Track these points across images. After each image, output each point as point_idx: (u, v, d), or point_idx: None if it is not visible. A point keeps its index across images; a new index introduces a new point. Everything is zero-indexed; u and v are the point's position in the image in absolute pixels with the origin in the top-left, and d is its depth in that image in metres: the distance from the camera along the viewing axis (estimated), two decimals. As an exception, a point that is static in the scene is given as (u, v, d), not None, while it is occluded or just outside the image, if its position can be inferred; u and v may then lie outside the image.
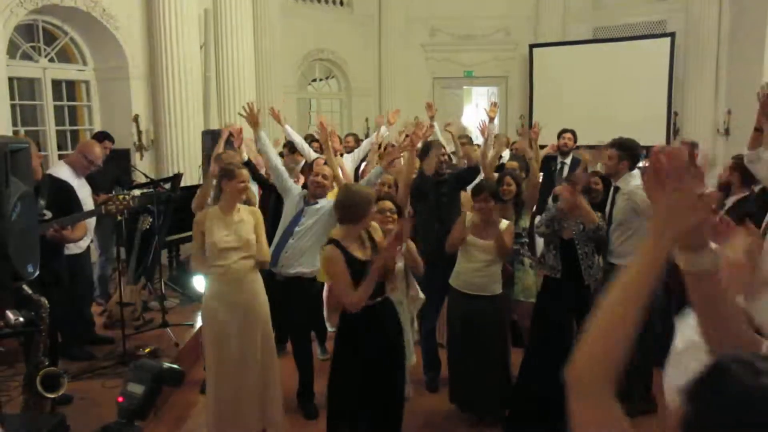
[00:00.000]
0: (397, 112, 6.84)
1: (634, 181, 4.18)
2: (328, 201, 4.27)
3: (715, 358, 1.00)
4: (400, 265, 3.81)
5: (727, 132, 10.40)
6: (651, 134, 10.19)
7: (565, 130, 6.83)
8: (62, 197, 4.20)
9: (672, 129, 10.94)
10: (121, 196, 4.12)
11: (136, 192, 5.31)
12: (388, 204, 3.94)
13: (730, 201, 4.52)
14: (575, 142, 6.85)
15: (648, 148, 6.19)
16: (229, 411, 3.84)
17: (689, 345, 1.35)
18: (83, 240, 4.79)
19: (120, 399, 1.78)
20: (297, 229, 4.24)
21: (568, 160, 6.76)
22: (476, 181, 4.70)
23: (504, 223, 4.23)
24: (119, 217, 4.25)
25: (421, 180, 4.88)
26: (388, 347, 3.44)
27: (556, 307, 4.01)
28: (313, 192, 4.31)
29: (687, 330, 1.38)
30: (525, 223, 4.83)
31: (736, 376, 0.94)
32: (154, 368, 1.84)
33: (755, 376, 0.93)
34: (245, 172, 3.95)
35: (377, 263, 3.23)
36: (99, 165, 5.05)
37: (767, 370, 0.93)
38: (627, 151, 4.26)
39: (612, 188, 4.35)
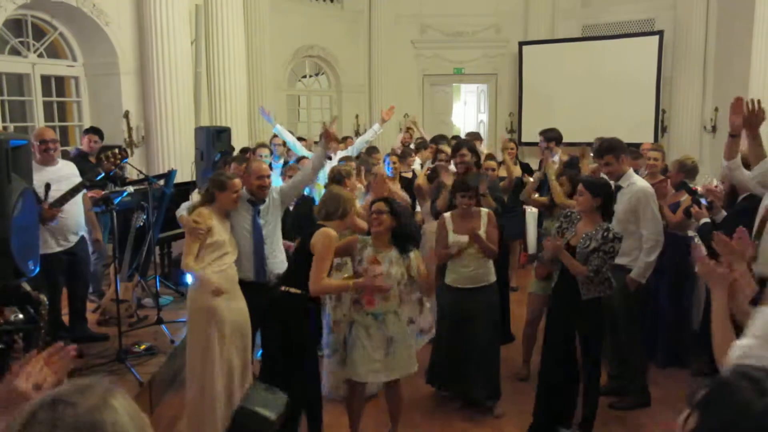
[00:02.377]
0: (392, 109, 6.84)
1: (638, 180, 4.26)
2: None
3: (727, 373, 1.04)
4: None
5: (714, 129, 10.52)
6: (639, 131, 10.33)
7: (541, 132, 6.78)
8: None
9: (660, 126, 11.05)
10: (111, 151, 4.23)
11: (130, 188, 5.30)
12: (381, 205, 3.77)
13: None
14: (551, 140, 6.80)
15: (634, 146, 6.27)
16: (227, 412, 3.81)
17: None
18: (72, 235, 4.76)
19: None
20: (265, 233, 4.19)
21: (556, 158, 6.78)
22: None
23: (484, 212, 4.31)
24: (114, 168, 4.32)
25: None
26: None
27: (553, 324, 4.04)
28: (260, 195, 4.18)
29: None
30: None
31: (743, 393, 0.98)
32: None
33: (760, 394, 0.98)
34: (238, 181, 3.96)
35: (360, 285, 3.46)
36: (56, 140, 4.72)
37: None
38: (619, 149, 4.31)
39: (614, 188, 4.37)
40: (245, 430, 1.67)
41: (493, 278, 4.35)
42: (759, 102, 3.46)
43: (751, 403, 0.97)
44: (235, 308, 3.83)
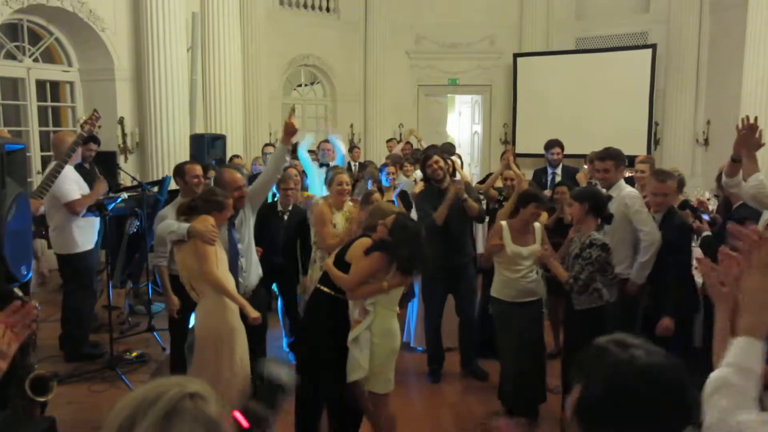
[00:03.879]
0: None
1: (626, 187, 4.31)
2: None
3: (597, 343, 1.28)
4: None
5: (706, 142, 10.60)
6: (632, 144, 10.36)
7: (553, 144, 6.90)
8: None
9: (653, 139, 11.12)
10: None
11: (124, 195, 5.29)
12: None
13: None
14: (563, 150, 6.94)
15: (630, 158, 6.33)
16: None
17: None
18: (83, 242, 4.81)
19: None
20: (241, 248, 4.08)
21: (558, 170, 6.86)
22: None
23: (538, 227, 4.35)
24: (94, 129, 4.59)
25: (430, 190, 5.03)
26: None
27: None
28: (238, 206, 4.03)
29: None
30: None
31: (611, 352, 1.22)
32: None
33: (624, 348, 1.21)
34: (231, 200, 3.83)
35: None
36: (73, 148, 4.76)
37: (634, 344, 1.22)
38: (619, 158, 4.39)
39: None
40: (264, 393, 1.77)
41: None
42: (756, 119, 3.50)
43: (619, 356, 1.19)
44: (240, 322, 3.67)
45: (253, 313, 3.62)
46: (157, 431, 1.06)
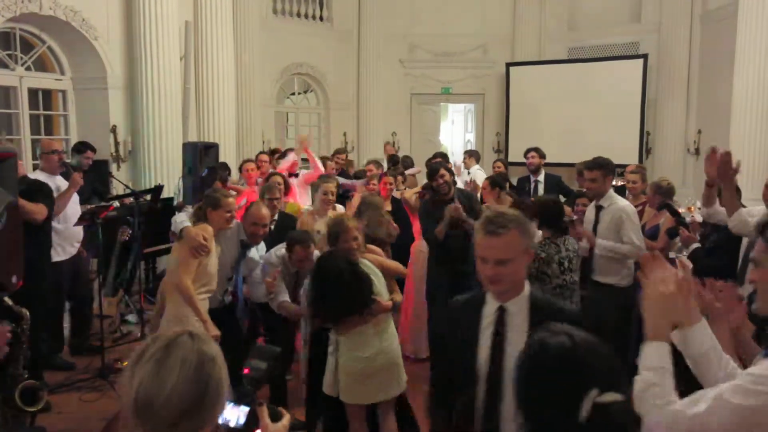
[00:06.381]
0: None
1: (618, 200, 4.32)
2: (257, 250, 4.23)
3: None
4: None
5: (697, 152, 10.65)
6: (623, 153, 10.42)
7: (529, 149, 6.97)
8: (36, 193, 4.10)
9: (644, 148, 11.18)
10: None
11: (116, 203, 5.28)
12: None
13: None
14: (542, 159, 6.96)
15: (621, 167, 6.35)
16: None
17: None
18: (76, 243, 4.78)
19: (246, 370, 1.95)
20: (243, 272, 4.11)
21: (541, 178, 6.88)
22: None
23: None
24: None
25: (434, 204, 5.03)
26: None
27: None
28: (252, 241, 4.02)
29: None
30: None
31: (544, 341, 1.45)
32: (273, 351, 2.07)
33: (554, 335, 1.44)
34: (232, 200, 3.83)
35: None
36: (60, 152, 4.88)
37: (564, 331, 1.44)
38: (607, 167, 4.39)
39: (595, 207, 4.42)
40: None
41: None
42: (729, 154, 3.42)
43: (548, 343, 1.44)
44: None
45: (213, 331, 3.52)
46: (159, 356, 1.31)
